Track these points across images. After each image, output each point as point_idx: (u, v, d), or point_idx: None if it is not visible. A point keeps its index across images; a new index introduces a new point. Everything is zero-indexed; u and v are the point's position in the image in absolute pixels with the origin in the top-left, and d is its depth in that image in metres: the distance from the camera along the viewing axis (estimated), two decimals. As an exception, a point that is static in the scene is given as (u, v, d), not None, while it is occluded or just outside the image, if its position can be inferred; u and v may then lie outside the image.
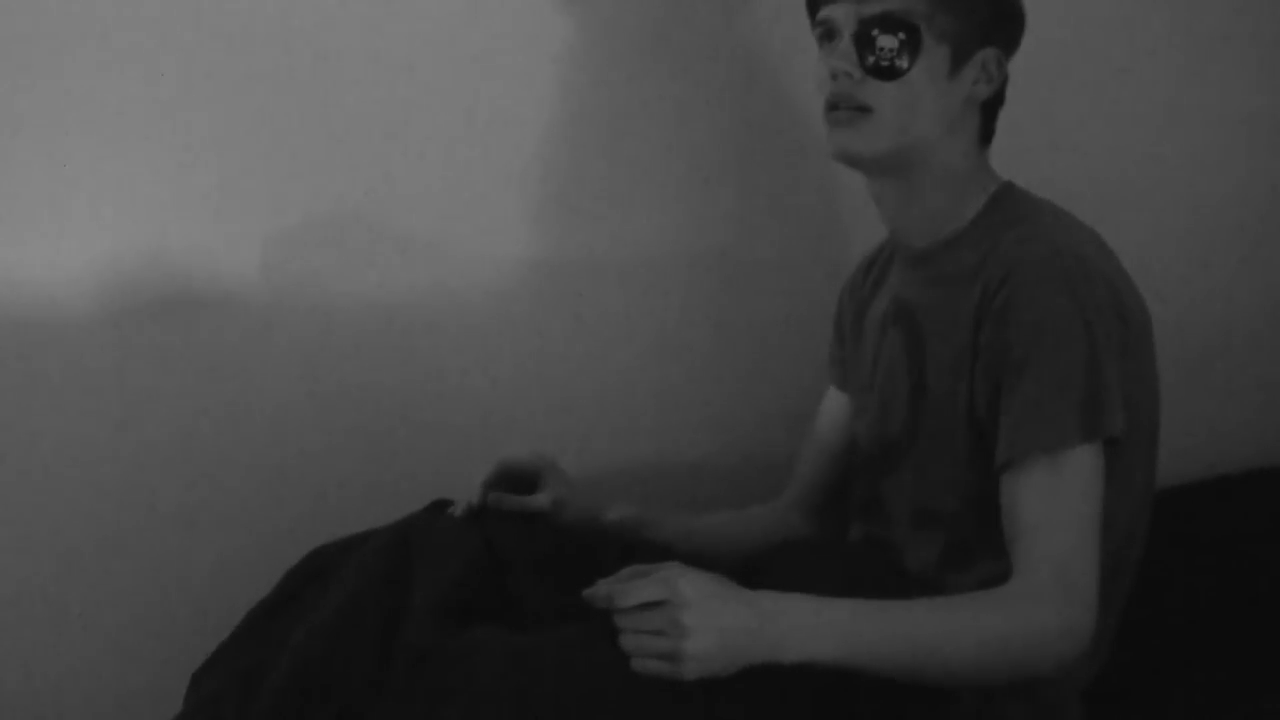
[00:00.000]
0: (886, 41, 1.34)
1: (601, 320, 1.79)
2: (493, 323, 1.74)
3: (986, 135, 1.44)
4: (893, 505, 1.46)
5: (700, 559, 1.25)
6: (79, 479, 1.60)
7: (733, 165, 1.83)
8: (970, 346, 1.33)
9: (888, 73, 1.35)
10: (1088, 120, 1.94)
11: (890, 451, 1.46)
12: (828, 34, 1.40)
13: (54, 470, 1.59)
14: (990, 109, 1.43)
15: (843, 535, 1.58)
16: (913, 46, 1.34)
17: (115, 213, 1.59)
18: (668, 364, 1.82)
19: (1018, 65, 1.44)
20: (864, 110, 1.36)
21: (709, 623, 1.14)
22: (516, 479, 1.52)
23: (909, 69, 1.34)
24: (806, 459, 1.65)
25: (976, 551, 1.34)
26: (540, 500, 1.50)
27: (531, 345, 1.77)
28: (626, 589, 1.16)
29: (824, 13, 1.40)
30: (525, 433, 1.75)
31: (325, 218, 1.67)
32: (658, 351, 1.82)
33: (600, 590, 1.18)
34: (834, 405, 1.64)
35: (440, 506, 1.46)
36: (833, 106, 1.38)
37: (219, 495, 1.66)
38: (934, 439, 1.39)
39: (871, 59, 1.35)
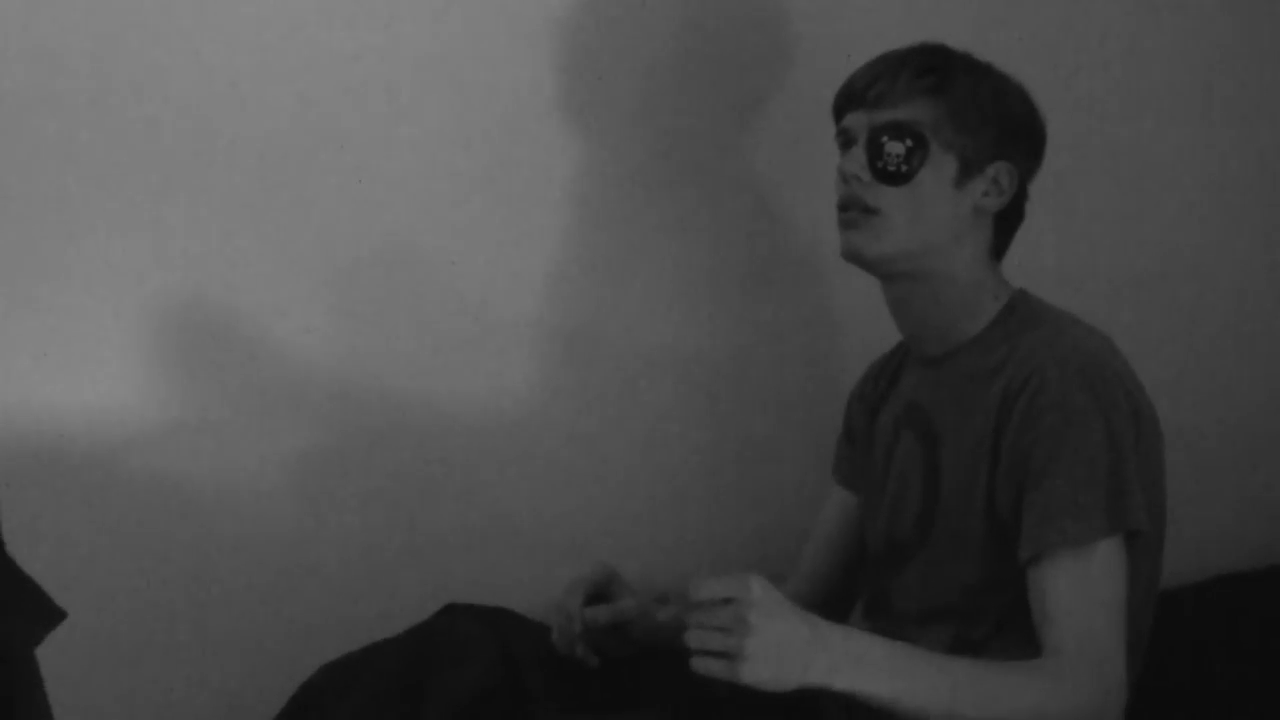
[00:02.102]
0: (894, 148, 1.40)
1: (599, 411, 1.82)
2: (495, 419, 1.76)
3: (999, 248, 1.48)
4: (901, 601, 1.48)
5: None
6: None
7: (742, 267, 1.87)
8: (989, 445, 1.37)
9: (894, 177, 1.40)
10: (1095, 222, 1.99)
11: (901, 550, 1.49)
12: (846, 141, 1.46)
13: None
14: (1004, 223, 1.48)
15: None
16: (919, 154, 1.40)
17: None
18: (667, 453, 1.85)
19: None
20: (871, 212, 1.41)
21: (772, 626, 1.17)
22: (594, 594, 1.57)
23: (915, 174, 1.40)
24: (809, 555, 1.68)
25: (985, 645, 1.37)
26: (627, 606, 1.54)
27: (529, 439, 1.79)
28: (703, 582, 1.20)
29: (844, 121, 1.47)
30: (527, 525, 1.77)
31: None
32: (658, 441, 1.84)
33: (673, 589, 1.23)
34: (839, 504, 1.66)
35: (451, 612, 1.49)
36: (843, 208, 1.44)
37: (229, 610, 1.66)
38: (947, 537, 1.42)
39: (880, 163, 1.40)
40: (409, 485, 1.73)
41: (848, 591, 1.62)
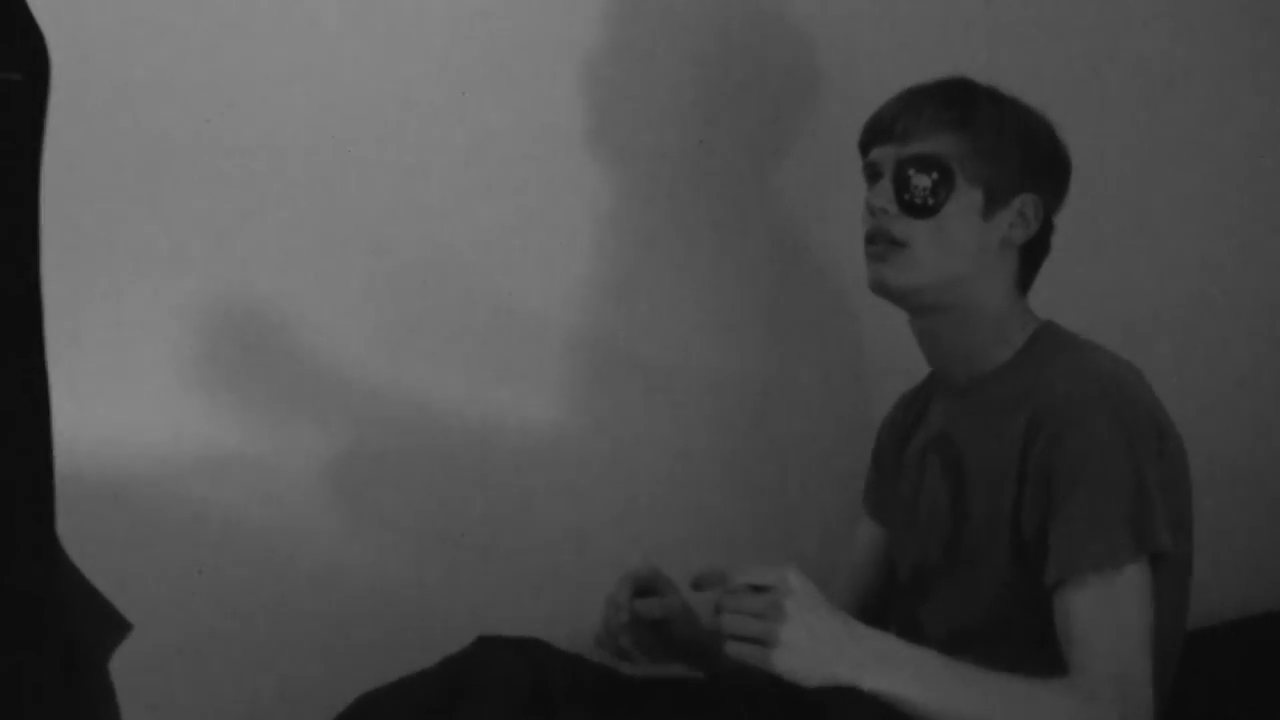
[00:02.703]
0: (920, 180, 1.42)
1: (628, 432, 1.83)
2: (522, 437, 1.78)
3: (1025, 280, 1.49)
4: (930, 628, 1.49)
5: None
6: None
7: (772, 294, 1.89)
8: (1015, 472, 1.37)
9: (920, 210, 1.41)
10: (1122, 253, 1.99)
11: (929, 577, 1.49)
12: (873, 175, 1.48)
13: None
14: (1030, 255, 1.49)
15: None
16: (946, 186, 1.41)
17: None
18: (694, 476, 1.86)
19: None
20: (899, 245, 1.43)
21: (807, 616, 1.18)
22: (642, 589, 1.56)
23: (941, 207, 1.41)
24: (840, 586, 1.67)
25: (1013, 669, 1.35)
26: (675, 602, 1.54)
27: (559, 458, 1.80)
28: (740, 567, 1.21)
29: (871, 155, 1.49)
30: (557, 544, 1.78)
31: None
32: (686, 464, 1.86)
33: (714, 568, 1.23)
34: (868, 535, 1.67)
35: (485, 643, 1.49)
36: (870, 240, 1.45)
37: (268, 639, 1.67)
38: (973, 563, 1.43)
39: (906, 196, 1.42)
40: (444, 505, 1.74)
41: (879, 621, 1.61)
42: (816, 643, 1.19)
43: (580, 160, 1.77)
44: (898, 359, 1.61)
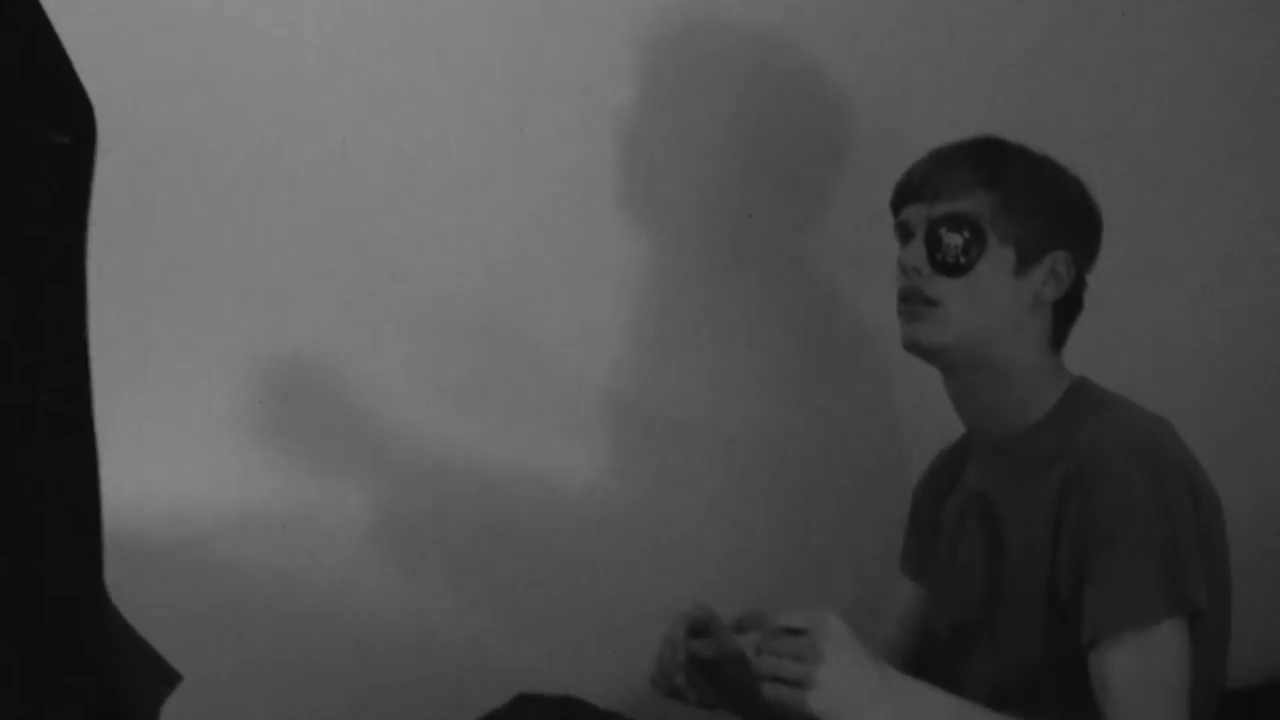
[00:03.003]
0: (952, 239, 1.43)
1: (665, 491, 1.85)
2: (560, 495, 1.80)
3: (1059, 337, 1.50)
4: (970, 687, 1.47)
5: None
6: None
7: (806, 353, 1.91)
8: (1050, 531, 1.37)
9: (953, 269, 1.42)
10: (1157, 310, 1.99)
11: (968, 637, 1.49)
12: (905, 234, 1.49)
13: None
14: (1063, 312, 1.49)
15: None
16: (977, 245, 1.42)
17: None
18: (727, 534, 1.87)
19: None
20: (931, 303, 1.43)
21: (845, 659, 1.19)
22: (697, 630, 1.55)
23: (973, 266, 1.42)
24: (879, 649, 1.67)
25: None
26: (728, 645, 1.52)
27: (596, 515, 1.82)
28: (779, 610, 1.22)
29: (902, 215, 1.50)
30: (592, 603, 1.79)
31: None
32: (719, 522, 1.87)
33: (755, 611, 1.25)
34: (908, 598, 1.67)
35: (524, 701, 1.49)
36: (904, 299, 1.46)
37: (307, 694, 1.68)
38: (1012, 622, 1.42)
39: (939, 255, 1.43)
40: (484, 562, 1.76)
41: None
42: (853, 686, 1.19)
43: (620, 225, 1.80)
44: (932, 418, 1.62)
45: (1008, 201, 1.44)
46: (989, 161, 1.46)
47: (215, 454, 1.64)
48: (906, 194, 1.49)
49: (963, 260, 1.42)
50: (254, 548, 1.67)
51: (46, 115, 0.85)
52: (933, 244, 1.43)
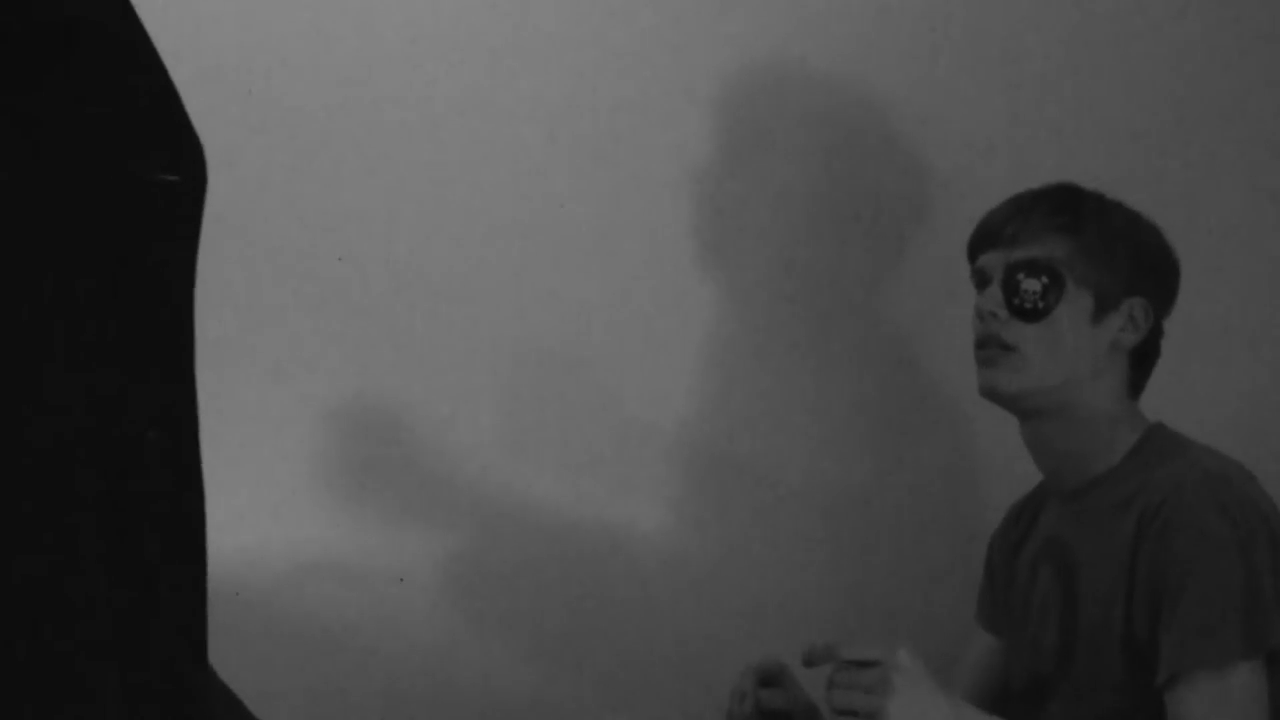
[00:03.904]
0: (1030, 285, 1.43)
1: (737, 539, 1.85)
2: (636, 543, 1.80)
3: (1136, 384, 1.49)
4: (1047, 737, 1.46)
5: None
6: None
7: (881, 403, 1.91)
8: (1126, 574, 1.36)
9: (1031, 314, 1.42)
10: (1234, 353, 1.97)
11: (1044, 685, 1.47)
12: (982, 280, 1.49)
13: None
14: (1141, 359, 1.48)
15: None
16: (1056, 290, 1.42)
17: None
18: (798, 586, 1.86)
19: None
20: (1009, 349, 1.43)
21: (915, 693, 1.19)
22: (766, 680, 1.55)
23: (1051, 311, 1.42)
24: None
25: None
26: (799, 695, 1.52)
27: (670, 563, 1.82)
28: (850, 642, 1.22)
29: (980, 261, 1.50)
30: (665, 654, 1.79)
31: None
32: (789, 574, 1.87)
33: (822, 643, 1.24)
34: (983, 648, 1.65)
35: None
36: (980, 345, 1.46)
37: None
38: (1088, 669, 1.41)
39: (1016, 300, 1.43)
40: (567, 611, 1.77)
41: None
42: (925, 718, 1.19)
43: (693, 274, 1.82)
44: (1010, 469, 1.61)
45: (1086, 247, 1.44)
46: (1067, 208, 1.46)
47: (297, 504, 1.67)
48: (984, 239, 1.50)
49: (1041, 305, 1.42)
50: (325, 592, 1.69)
51: (157, 156, 0.87)
52: (1010, 289, 1.43)
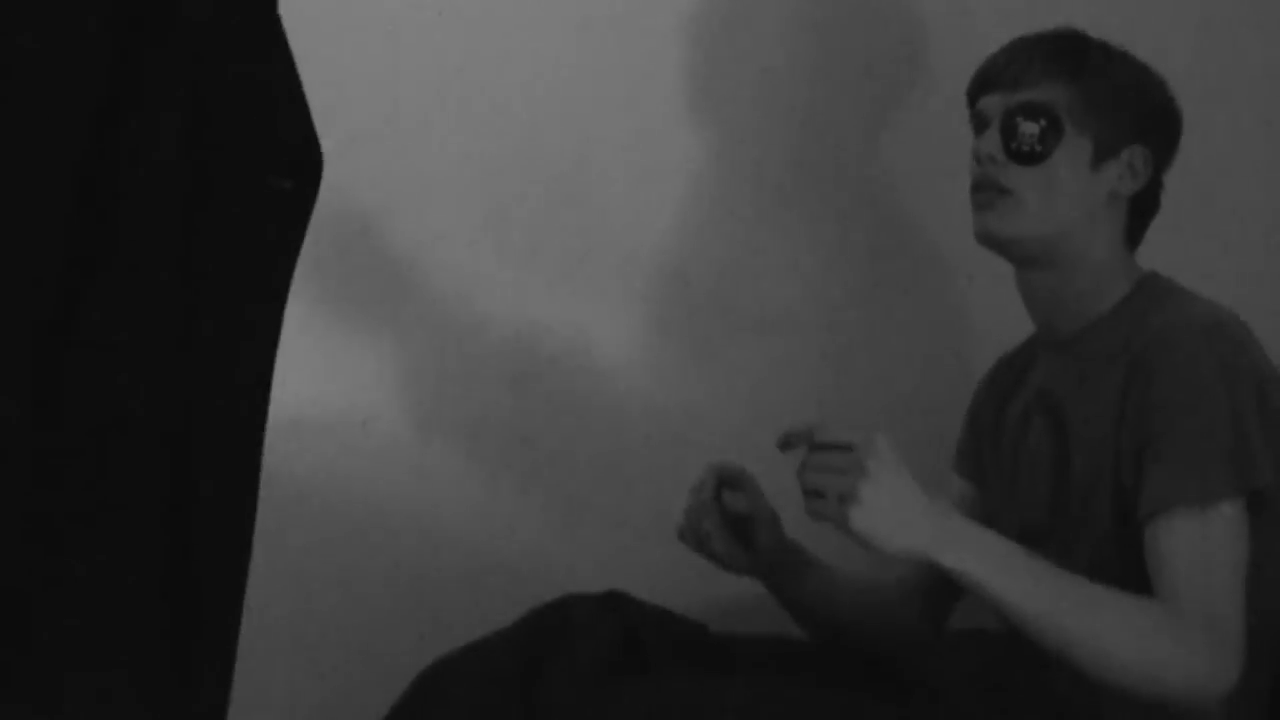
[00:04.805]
0: (1028, 128, 1.41)
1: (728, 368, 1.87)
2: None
3: (1133, 235, 1.48)
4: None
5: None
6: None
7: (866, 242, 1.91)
8: (1115, 422, 1.35)
9: (1028, 157, 1.41)
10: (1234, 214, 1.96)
11: (1031, 538, 1.45)
12: (981, 124, 1.47)
13: None
14: (1140, 211, 1.47)
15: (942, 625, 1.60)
16: (1054, 134, 1.40)
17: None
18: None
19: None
20: (1005, 193, 1.42)
21: (890, 480, 1.19)
22: (729, 481, 1.55)
23: (1049, 156, 1.40)
24: None
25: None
26: (762, 503, 1.53)
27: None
28: (826, 425, 1.22)
29: (979, 104, 1.48)
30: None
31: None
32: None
33: (802, 425, 1.24)
34: (958, 493, 1.64)
35: (571, 598, 1.45)
36: (977, 189, 1.45)
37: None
38: (1077, 521, 1.40)
39: (1014, 144, 1.41)
40: (532, 419, 1.82)
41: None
42: (898, 508, 1.19)
43: (684, 115, 1.83)
44: (997, 325, 1.60)
45: (1087, 93, 1.42)
46: (1069, 53, 1.44)
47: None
48: (984, 83, 1.47)
49: (1038, 149, 1.40)
50: (327, 445, 1.72)
51: (278, 163, 0.91)
52: (1008, 132, 1.41)
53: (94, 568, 0.84)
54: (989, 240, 1.45)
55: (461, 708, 1.31)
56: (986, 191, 1.43)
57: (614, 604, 1.48)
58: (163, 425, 0.86)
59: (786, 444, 1.27)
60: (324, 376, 1.73)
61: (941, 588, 1.57)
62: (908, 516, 1.20)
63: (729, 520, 1.53)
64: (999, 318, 1.58)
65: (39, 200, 0.83)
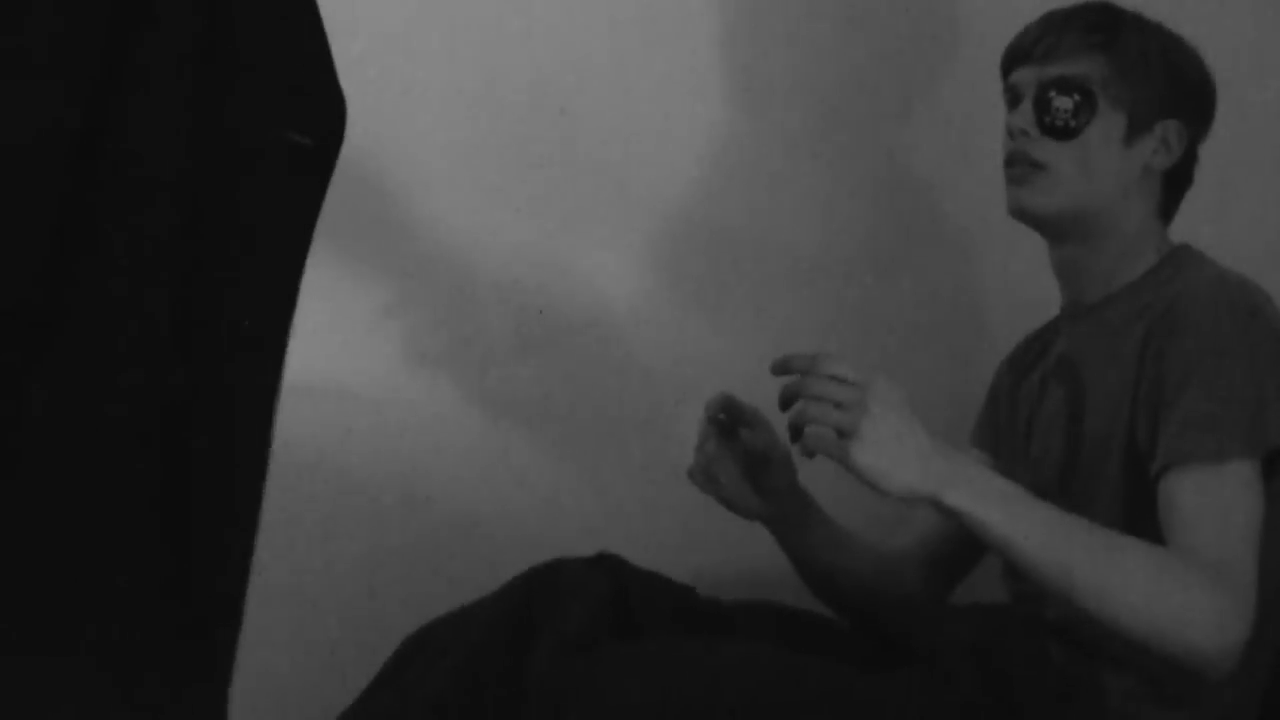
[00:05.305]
0: (1062, 103, 1.40)
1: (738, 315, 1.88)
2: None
3: (1167, 210, 1.47)
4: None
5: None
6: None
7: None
8: (1133, 379, 1.34)
9: (1062, 132, 1.40)
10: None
11: (1042, 498, 1.46)
12: (1014, 98, 1.46)
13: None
14: (1174, 185, 1.46)
15: (949, 594, 1.60)
16: (1088, 109, 1.40)
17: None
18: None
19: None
20: (1038, 167, 1.41)
21: (893, 418, 1.17)
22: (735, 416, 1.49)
23: (1082, 130, 1.40)
24: (927, 513, 1.58)
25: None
26: (777, 443, 1.45)
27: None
28: (828, 356, 1.20)
29: (1012, 78, 1.47)
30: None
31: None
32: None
33: (802, 352, 1.22)
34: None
35: (561, 561, 1.42)
36: (1010, 163, 1.44)
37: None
38: (1090, 486, 1.39)
39: (1048, 118, 1.40)
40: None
41: (964, 555, 1.57)
42: (900, 446, 1.17)
43: (711, 70, 1.85)
44: (1016, 300, 1.60)
45: (1121, 66, 1.41)
46: (1103, 26, 1.43)
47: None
48: (1017, 56, 1.46)
49: (1072, 124, 1.40)
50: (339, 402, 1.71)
51: (298, 119, 0.85)
52: (1042, 107, 1.41)
53: (88, 563, 0.81)
54: (1022, 215, 1.44)
55: (448, 671, 1.27)
56: (1020, 166, 1.42)
57: (604, 565, 1.46)
58: (165, 411, 0.82)
59: (784, 369, 1.24)
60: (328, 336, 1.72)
61: (948, 561, 1.58)
62: (910, 455, 1.18)
63: (742, 460, 1.47)
64: (1021, 282, 1.57)
65: (30, 160, 0.78)
